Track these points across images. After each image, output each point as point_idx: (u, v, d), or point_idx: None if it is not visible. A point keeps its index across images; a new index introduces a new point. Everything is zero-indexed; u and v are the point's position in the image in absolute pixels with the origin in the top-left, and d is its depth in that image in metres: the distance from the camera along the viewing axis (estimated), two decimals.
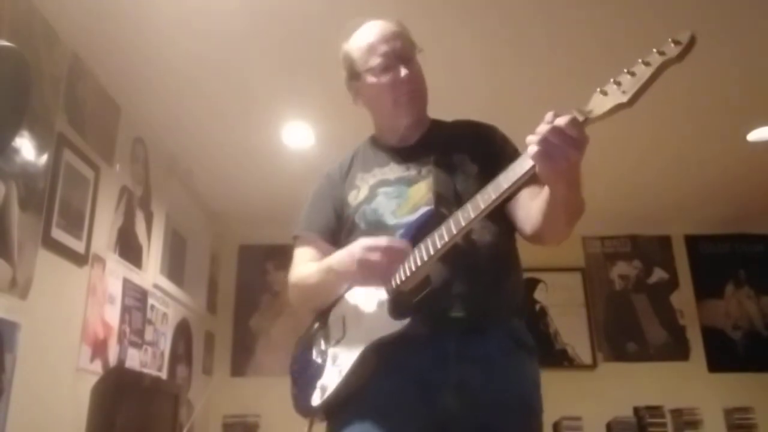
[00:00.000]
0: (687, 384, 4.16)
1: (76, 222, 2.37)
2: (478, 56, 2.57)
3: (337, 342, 1.23)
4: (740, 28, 2.42)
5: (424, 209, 1.19)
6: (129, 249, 2.87)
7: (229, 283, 4.43)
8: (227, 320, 4.36)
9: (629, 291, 4.50)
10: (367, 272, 1.13)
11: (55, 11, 2.20)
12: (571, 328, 4.36)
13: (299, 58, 2.55)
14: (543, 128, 0.94)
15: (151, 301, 3.11)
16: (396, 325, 1.11)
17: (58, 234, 2.23)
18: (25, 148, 2.06)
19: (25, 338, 1.98)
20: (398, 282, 1.14)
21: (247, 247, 4.47)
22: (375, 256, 1.11)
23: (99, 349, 2.51)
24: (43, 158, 2.16)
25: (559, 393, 4.08)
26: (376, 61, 1.32)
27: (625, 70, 0.91)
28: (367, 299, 1.20)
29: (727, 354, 4.30)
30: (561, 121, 0.93)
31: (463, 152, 1.30)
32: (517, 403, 1.15)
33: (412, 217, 1.19)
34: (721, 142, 3.32)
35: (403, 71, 1.30)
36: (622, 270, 4.55)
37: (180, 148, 3.31)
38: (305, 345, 1.32)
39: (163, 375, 3.24)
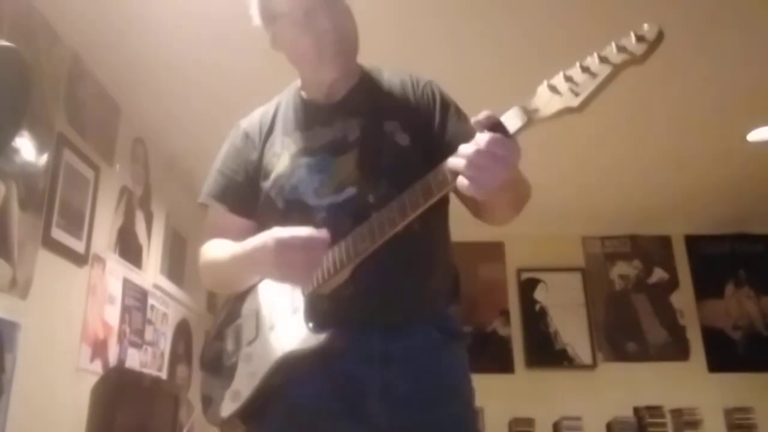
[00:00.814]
0: (687, 384, 4.16)
1: (76, 222, 2.37)
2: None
3: (250, 343, 1.11)
4: (740, 28, 2.42)
5: (347, 191, 1.08)
6: (129, 249, 2.87)
7: None
8: None
9: (629, 291, 4.50)
10: (285, 271, 1.02)
11: (55, 11, 2.20)
12: (571, 328, 4.36)
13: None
14: (467, 151, 0.88)
15: (151, 301, 3.11)
16: (312, 340, 1.01)
17: (58, 234, 2.23)
18: (25, 148, 2.06)
19: (25, 338, 1.98)
20: (315, 285, 1.05)
21: None
22: (292, 255, 1.00)
23: (99, 349, 2.51)
24: (43, 158, 2.16)
25: (559, 393, 4.11)
26: (295, 5, 1.15)
27: (579, 65, 0.80)
28: (283, 300, 1.09)
29: (727, 354, 4.30)
30: (484, 141, 0.86)
31: (394, 118, 1.16)
32: (446, 396, 1.08)
33: (335, 199, 1.08)
34: (721, 142, 3.32)
35: (328, 19, 1.13)
36: (622, 270, 4.55)
37: (180, 148, 3.30)
38: (216, 340, 1.21)
39: (163, 375, 3.24)
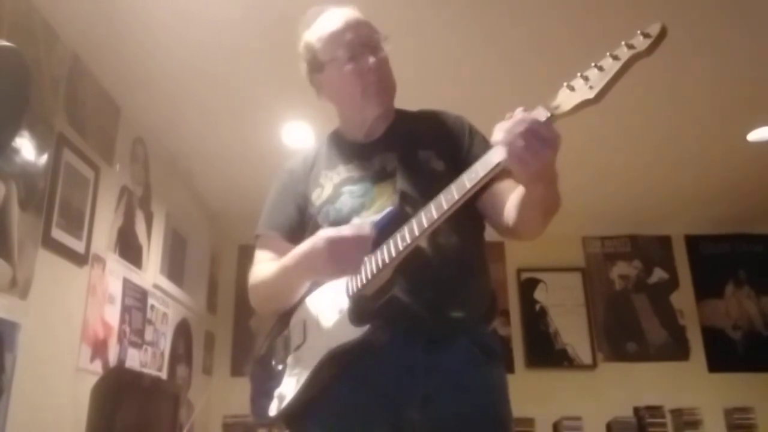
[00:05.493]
0: (687, 384, 4.16)
1: (76, 222, 2.37)
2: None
3: (297, 348, 1.17)
4: (740, 28, 2.42)
5: (388, 209, 1.13)
6: (129, 249, 2.87)
7: (229, 283, 4.43)
8: (227, 320, 4.36)
9: (629, 291, 4.50)
10: (338, 261, 1.07)
11: (55, 11, 2.20)
12: (571, 328, 4.36)
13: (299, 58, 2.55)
14: (511, 127, 0.90)
15: (151, 301, 3.11)
16: (356, 332, 1.05)
17: (58, 234, 2.23)
18: (25, 148, 2.06)
19: (25, 338, 1.98)
20: (359, 286, 1.09)
21: (247, 247, 4.45)
22: (343, 245, 1.06)
23: (99, 349, 2.51)
24: (43, 158, 2.16)
25: (559, 393, 4.12)
26: (341, 49, 1.25)
27: (593, 64, 0.87)
28: (329, 304, 1.14)
29: (727, 354, 4.31)
30: (530, 120, 0.90)
31: (429, 148, 1.25)
32: (484, 414, 1.11)
33: (376, 217, 1.13)
34: (722, 142, 3.32)
35: (371, 59, 1.24)
36: (622, 270, 4.55)
37: (180, 148, 3.30)
38: (266, 349, 1.27)
39: (163, 375, 3.24)
